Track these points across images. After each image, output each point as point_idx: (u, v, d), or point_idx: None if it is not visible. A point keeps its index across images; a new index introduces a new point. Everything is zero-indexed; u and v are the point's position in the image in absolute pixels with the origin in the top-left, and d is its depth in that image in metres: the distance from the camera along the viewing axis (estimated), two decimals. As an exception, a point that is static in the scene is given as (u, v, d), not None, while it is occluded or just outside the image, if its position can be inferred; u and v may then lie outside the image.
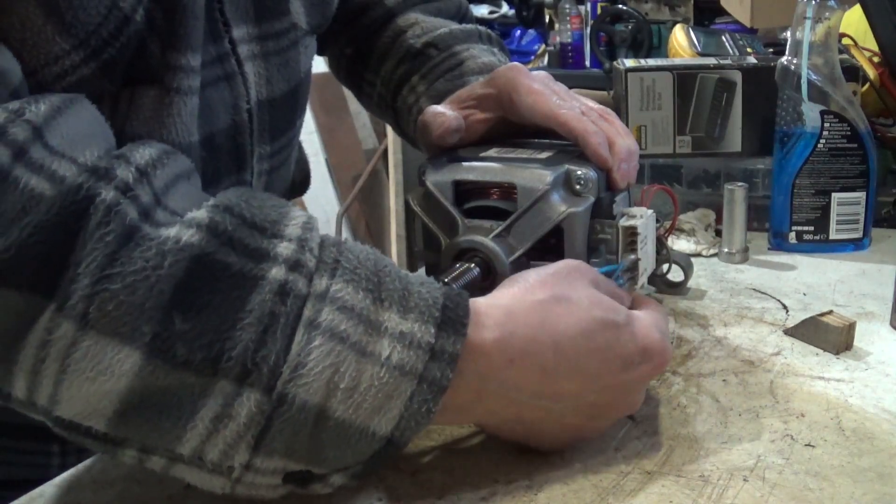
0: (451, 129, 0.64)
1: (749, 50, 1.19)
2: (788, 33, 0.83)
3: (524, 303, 0.48)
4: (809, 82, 0.80)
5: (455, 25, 0.79)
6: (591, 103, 0.65)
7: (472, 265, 0.58)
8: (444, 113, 0.64)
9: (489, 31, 0.81)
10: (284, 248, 0.42)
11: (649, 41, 2.33)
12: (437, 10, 0.82)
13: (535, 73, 0.66)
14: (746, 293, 0.75)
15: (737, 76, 0.89)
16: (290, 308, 0.41)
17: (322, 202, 2.83)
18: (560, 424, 0.49)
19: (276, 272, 0.41)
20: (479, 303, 0.47)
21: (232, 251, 0.41)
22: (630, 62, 0.93)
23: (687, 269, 0.75)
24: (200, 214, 0.41)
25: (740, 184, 0.82)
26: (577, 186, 0.59)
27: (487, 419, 0.50)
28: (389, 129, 2.92)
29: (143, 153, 0.43)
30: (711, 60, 0.92)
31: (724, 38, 1.25)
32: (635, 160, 0.63)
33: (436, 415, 0.44)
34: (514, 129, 0.66)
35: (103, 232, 0.39)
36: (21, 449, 0.66)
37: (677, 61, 0.98)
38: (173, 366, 0.40)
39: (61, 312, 0.39)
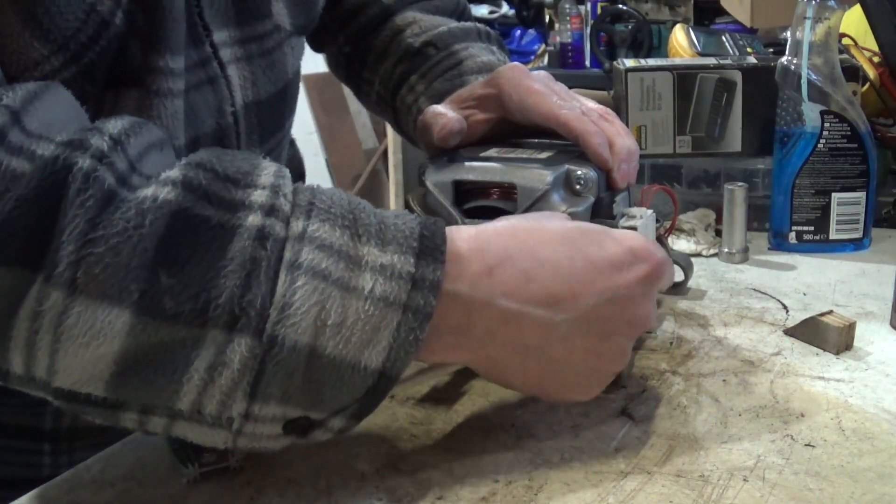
0: (453, 130, 0.64)
1: (749, 50, 1.19)
2: (788, 33, 0.83)
3: (493, 225, 0.49)
4: (809, 82, 0.80)
5: (453, 23, 0.79)
6: (591, 103, 0.65)
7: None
8: (445, 114, 0.64)
9: (488, 28, 0.81)
10: (259, 196, 0.43)
11: (649, 41, 2.33)
12: (436, 7, 0.81)
13: (535, 73, 0.66)
14: (746, 293, 0.75)
15: (737, 76, 0.89)
16: (271, 251, 0.42)
17: (322, 202, 2.83)
18: (570, 348, 0.48)
19: (253, 219, 0.42)
20: (451, 228, 0.47)
21: (208, 204, 0.42)
22: (630, 62, 0.93)
23: (687, 269, 0.75)
24: (174, 173, 0.42)
25: (740, 184, 0.82)
26: (577, 186, 0.59)
27: (488, 348, 0.48)
28: (389, 129, 2.92)
29: (116, 124, 0.44)
30: (711, 60, 0.92)
31: (724, 38, 1.25)
32: (635, 160, 0.63)
33: (425, 343, 0.44)
34: (514, 129, 0.66)
35: (83, 198, 0.39)
36: (13, 448, 0.66)
37: (677, 61, 0.98)
38: (163, 320, 0.40)
39: (49, 282, 0.39)
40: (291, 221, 0.43)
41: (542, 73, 0.66)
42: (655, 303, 0.51)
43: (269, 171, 0.44)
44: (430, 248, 0.44)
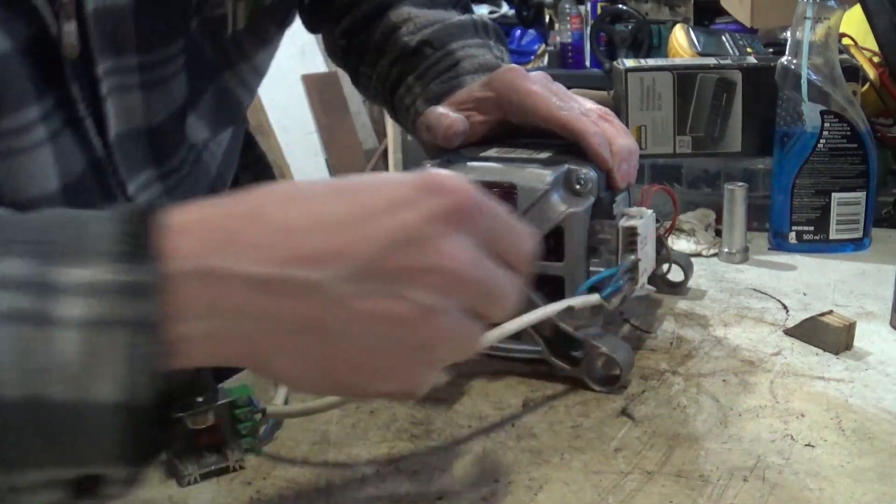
0: (458, 131, 0.64)
1: (749, 50, 1.19)
2: (788, 33, 0.83)
3: (244, 192, 0.39)
4: (809, 82, 0.80)
5: (449, 19, 0.78)
6: (590, 104, 0.65)
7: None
8: (448, 115, 0.64)
9: (485, 20, 0.80)
10: None
11: (649, 41, 2.33)
12: (431, 1, 0.80)
13: (532, 74, 0.66)
14: (746, 293, 0.75)
15: (737, 76, 0.89)
16: None
17: (322, 202, 2.83)
18: (352, 316, 0.37)
19: None
20: (177, 205, 0.38)
21: None
22: (630, 62, 0.93)
23: (687, 269, 0.75)
24: None
25: (740, 184, 0.82)
26: (577, 186, 0.59)
27: (251, 333, 0.37)
28: (389, 129, 2.92)
29: None
30: (711, 60, 0.92)
31: (724, 38, 1.25)
32: (635, 160, 0.63)
33: (172, 350, 0.36)
34: (513, 129, 0.66)
35: None
36: None
37: (677, 61, 0.98)
38: None
39: None
40: None
41: (540, 73, 0.66)
42: (471, 248, 0.39)
43: None
44: (139, 246, 0.36)
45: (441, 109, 0.65)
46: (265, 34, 0.70)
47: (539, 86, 0.64)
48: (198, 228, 0.37)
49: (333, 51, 0.86)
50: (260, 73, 0.73)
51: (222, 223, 0.37)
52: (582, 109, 0.63)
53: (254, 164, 0.78)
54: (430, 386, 0.41)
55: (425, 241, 0.37)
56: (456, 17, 0.78)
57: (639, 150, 0.64)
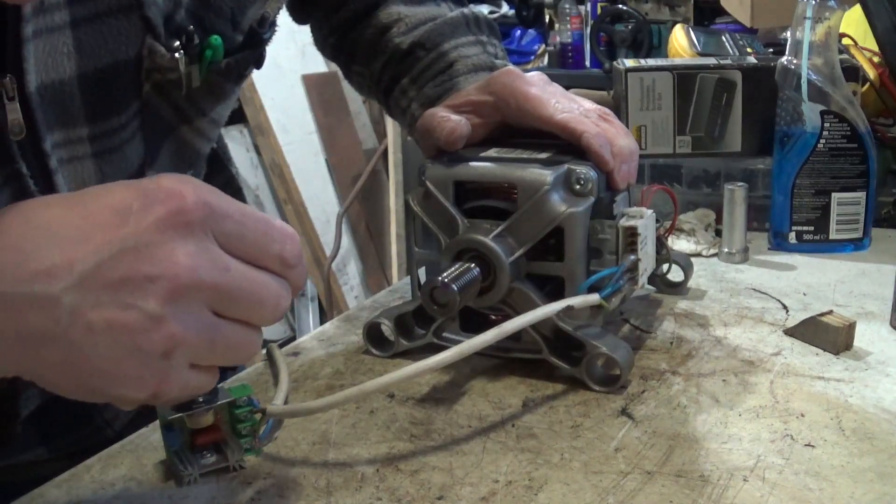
0: (462, 135, 0.63)
1: (749, 50, 1.19)
2: (788, 33, 0.83)
3: None
4: (809, 82, 0.80)
5: (441, 16, 0.76)
6: (589, 104, 0.65)
7: (472, 265, 0.58)
8: (450, 118, 0.64)
9: (477, 13, 0.78)
10: None
11: (649, 41, 2.33)
12: None
13: (530, 75, 0.66)
14: (746, 293, 0.75)
15: (737, 76, 0.89)
16: None
17: (322, 202, 2.83)
18: (88, 326, 0.38)
19: None
20: None
21: None
22: (630, 62, 0.93)
23: (687, 269, 0.75)
24: None
25: (740, 184, 0.82)
26: (577, 186, 0.59)
27: (19, 358, 0.38)
28: (389, 129, 2.92)
29: None
30: (711, 60, 0.92)
31: (724, 38, 1.25)
32: (635, 160, 0.63)
33: None
34: (512, 131, 0.66)
35: None
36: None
37: (677, 61, 0.98)
38: None
39: None
40: None
41: (537, 74, 0.66)
42: (200, 253, 0.39)
43: None
44: None
45: (442, 113, 0.65)
46: (221, 91, 0.66)
47: (537, 88, 0.64)
48: None
49: (323, 46, 0.85)
50: (218, 124, 0.71)
51: None
52: (581, 110, 0.63)
53: (224, 187, 0.76)
54: (191, 388, 0.41)
55: (149, 248, 0.38)
56: (448, 12, 0.77)
57: (639, 150, 0.64)
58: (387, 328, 0.64)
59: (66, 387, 0.39)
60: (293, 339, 1.66)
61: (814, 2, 0.78)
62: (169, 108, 0.62)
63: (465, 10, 0.78)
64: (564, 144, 0.62)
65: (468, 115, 0.65)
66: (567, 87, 0.68)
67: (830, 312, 0.65)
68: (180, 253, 0.38)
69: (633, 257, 0.60)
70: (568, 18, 2.55)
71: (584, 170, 0.59)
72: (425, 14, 0.77)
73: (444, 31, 0.76)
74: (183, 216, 0.39)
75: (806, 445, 0.52)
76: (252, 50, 0.66)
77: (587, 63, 2.56)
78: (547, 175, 0.58)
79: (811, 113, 0.81)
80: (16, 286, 0.37)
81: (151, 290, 0.38)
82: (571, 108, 0.63)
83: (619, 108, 0.91)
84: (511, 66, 0.68)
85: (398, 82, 0.76)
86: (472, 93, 0.66)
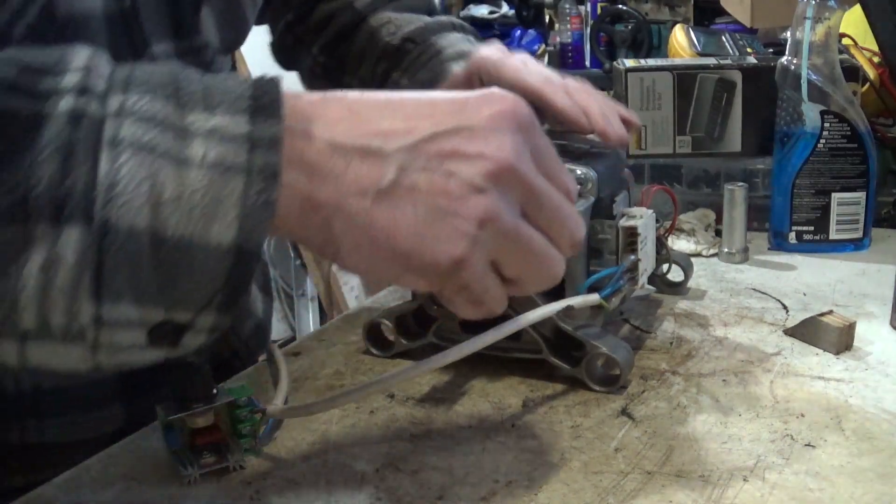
0: None
1: (749, 50, 1.19)
2: (788, 33, 0.83)
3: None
4: (809, 82, 0.80)
5: (428, 18, 0.80)
6: (571, 80, 0.66)
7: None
8: None
9: (462, 22, 0.82)
10: (70, 79, 0.40)
11: (649, 41, 2.33)
12: (409, 7, 0.82)
13: (514, 52, 0.68)
14: (746, 293, 0.75)
15: (737, 76, 0.89)
16: (87, 132, 0.38)
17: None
18: (412, 184, 0.41)
19: (65, 103, 0.39)
20: (332, 93, 0.44)
21: (15, 97, 0.39)
22: (630, 62, 0.93)
23: (687, 269, 0.75)
24: None
25: (740, 184, 0.82)
26: (577, 186, 0.59)
27: (337, 202, 0.42)
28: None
29: None
30: (711, 60, 0.92)
31: (724, 38, 1.24)
32: (615, 118, 0.64)
33: (277, 207, 0.40)
34: None
35: None
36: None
37: (677, 61, 0.98)
38: None
39: None
40: (108, 98, 0.39)
41: (522, 52, 0.68)
42: (525, 152, 0.43)
43: (81, 54, 0.41)
44: (265, 105, 0.40)
45: None
46: None
47: (520, 61, 0.65)
48: (303, 101, 0.42)
49: (313, 73, 0.85)
50: (256, 4, 0.74)
51: (318, 101, 0.42)
52: (563, 85, 0.64)
53: None
54: (486, 287, 0.43)
55: (482, 131, 0.42)
56: (434, 17, 0.81)
57: (616, 109, 0.65)
58: (387, 328, 0.64)
59: (369, 248, 0.42)
60: (293, 339, 1.65)
61: (814, 2, 0.78)
62: None
63: (453, 18, 0.82)
64: (564, 144, 0.62)
65: None
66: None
67: (830, 312, 0.65)
68: (508, 142, 0.42)
69: (633, 257, 0.60)
70: (568, 18, 2.56)
71: (583, 170, 0.59)
72: (414, 17, 0.80)
73: (433, 29, 0.78)
74: (514, 116, 0.43)
75: (806, 445, 0.52)
76: None
77: (587, 63, 2.56)
78: (547, 175, 0.58)
79: (811, 113, 0.81)
80: (354, 139, 0.41)
81: (477, 164, 0.41)
82: (552, 80, 0.63)
83: (619, 108, 0.91)
84: (494, 41, 0.70)
85: (389, 76, 0.77)
86: (460, 73, 0.68)
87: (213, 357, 0.69)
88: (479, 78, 0.66)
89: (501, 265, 0.44)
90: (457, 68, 0.71)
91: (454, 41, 0.76)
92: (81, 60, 0.40)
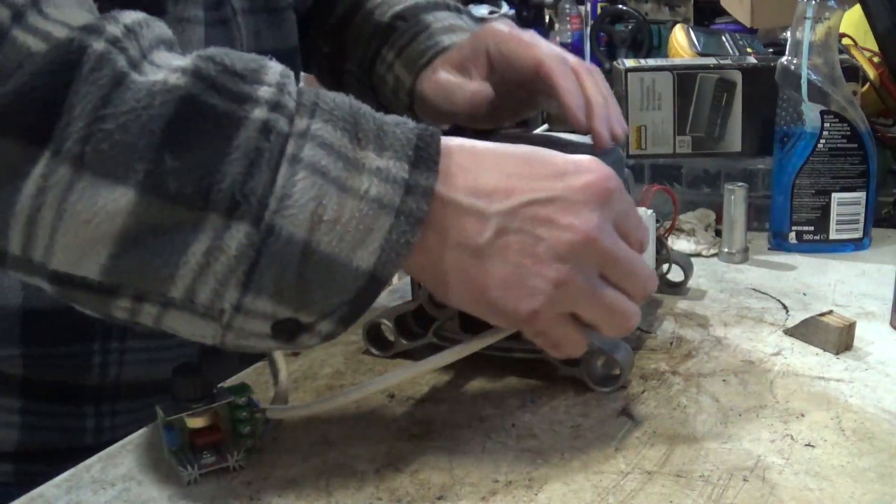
0: (486, 96, 0.65)
1: (749, 50, 1.19)
2: (788, 33, 0.83)
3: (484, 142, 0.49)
4: (809, 82, 0.80)
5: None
6: (585, 64, 0.65)
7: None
8: (468, 81, 0.66)
9: (457, 4, 0.81)
10: (265, 92, 0.44)
11: (649, 41, 2.33)
12: None
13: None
14: (746, 293, 0.75)
15: (737, 76, 0.89)
16: (274, 144, 0.43)
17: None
18: (504, 244, 0.47)
19: (259, 112, 0.43)
20: (447, 138, 0.48)
21: (216, 94, 0.43)
22: (630, 62, 0.93)
23: (687, 269, 0.75)
24: (185, 62, 0.43)
25: (740, 184, 0.82)
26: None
27: (442, 247, 0.47)
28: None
29: (130, 15, 0.45)
30: (711, 60, 0.92)
31: (724, 38, 1.24)
32: (616, 114, 0.63)
33: (415, 248, 0.45)
34: (505, 90, 0.65)
35: (96, 77, 0.41)
36: (52, 412, 0.65)
37: (677, 61, 0.98)
38: (165, 200, 0.41)
39: (58, 157, 0.40)
40: (295, 119, 0.44)
41: (531, 31, 0.67)
42: (602, 219, 0.47)
43: (275, 70, 0.45)
44: (425, 158, 0.45)
45: (453, 78, 0.66)
46: None
47: (528, 35, 0.65)
48: (445, 156, 0.46)
49: (321, 66, 0.86)
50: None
51: (443, 153, 0.46)
52: (569, 62, 0.64)
53: None
54: (563, 333, 0.50)
55: (574, 204, 0.47)
56: None
57: (614, 98, 0.64)
58: (387, 328, 0.64)
59: (464, 292, 0.48)
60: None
61: (814, 2, 0.78)
62: None
63: (448, 1, 0.81)
64: (564, 144, 0.62)
65: (466, 74, 0.66)
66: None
67: (830, 312, 0.65)
68: (595, 217, 0.47)
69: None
70: (568, 18, 2.56)
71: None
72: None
73: (425, 6, 0.78)
74: (605, 189, 0.47)
75: (806, 445, 0.52)
76: None
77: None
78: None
79: (811, 113, 0.81)
80: (464, 196, 0.46)
81: (565, 235, 0.46)
82: (559, 57, 0.63)
83: (619, 108, 0.91)
84: (504, 16, 0.70)
85: (379, 53, 0.77)
86: (466, 45, 0.67)
87: (213, 357, 0.69)
88: (486, 50, 0.65)
89: (580, 316, 0.49)
90: (447, 40, 0.71)
91: (444, 17, 0.76)
92: (275, 76, 0.45)
